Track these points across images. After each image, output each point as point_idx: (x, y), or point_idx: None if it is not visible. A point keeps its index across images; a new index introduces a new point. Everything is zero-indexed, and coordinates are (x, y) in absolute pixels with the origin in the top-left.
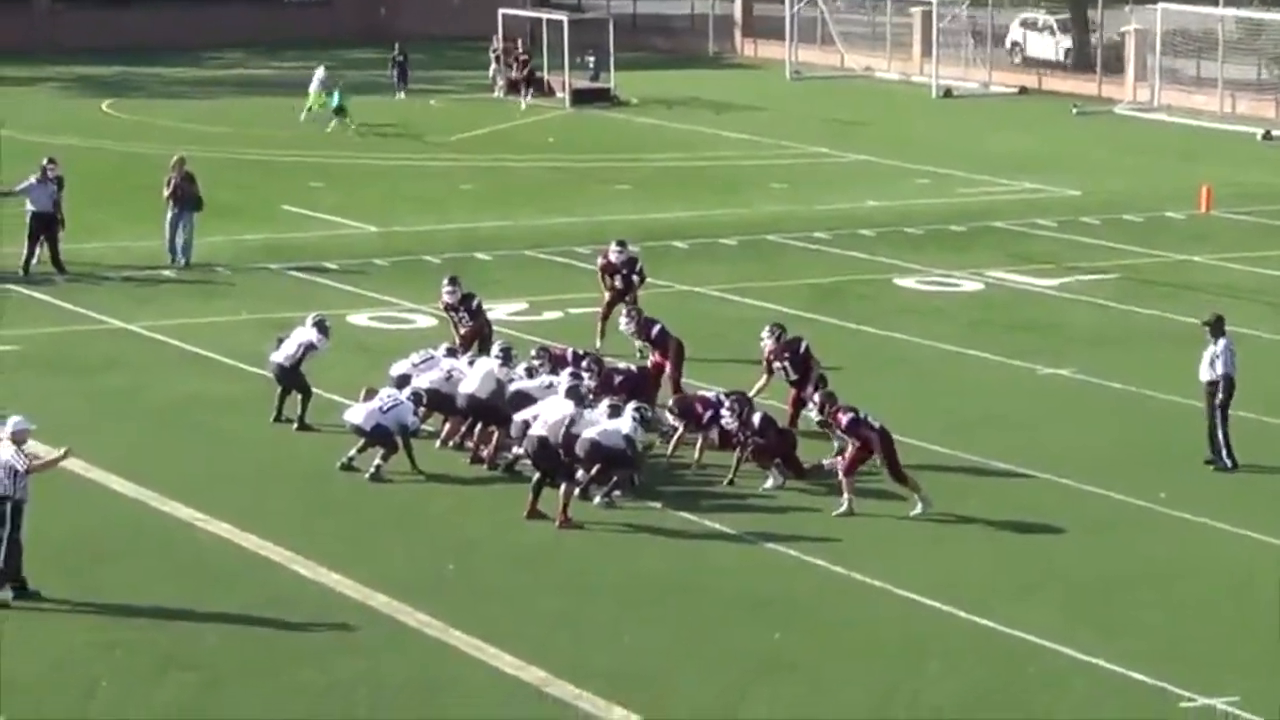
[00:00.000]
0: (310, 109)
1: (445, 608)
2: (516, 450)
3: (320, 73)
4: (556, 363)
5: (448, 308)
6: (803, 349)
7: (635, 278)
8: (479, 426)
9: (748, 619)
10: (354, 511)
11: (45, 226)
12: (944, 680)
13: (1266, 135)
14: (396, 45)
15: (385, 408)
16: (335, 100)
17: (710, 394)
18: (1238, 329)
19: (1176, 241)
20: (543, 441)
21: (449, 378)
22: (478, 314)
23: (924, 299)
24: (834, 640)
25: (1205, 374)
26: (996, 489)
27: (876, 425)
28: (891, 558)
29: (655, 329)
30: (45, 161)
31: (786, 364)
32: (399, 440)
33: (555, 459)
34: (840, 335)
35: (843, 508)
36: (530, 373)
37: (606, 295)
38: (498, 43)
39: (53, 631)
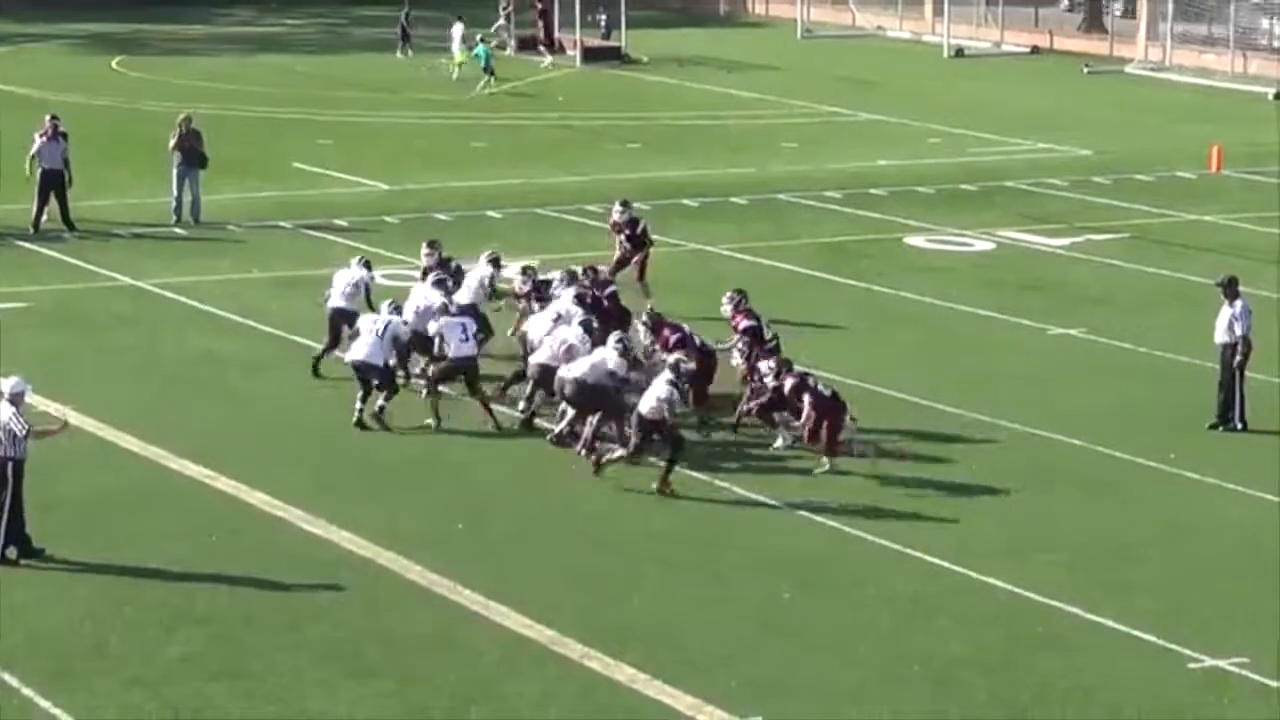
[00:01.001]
0: (460, 65)
1: (455, 565)
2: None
3: (458, 29)
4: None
5: (426, 270)
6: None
7: (641, 238)
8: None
9: (758, 578)
10: (365, 468)
11: (55, 183)
12: (952, 640)
13: (1278, 95)
14: (406, 4)
15: (380, 332)
16: (482, 57)
17: (685, 327)
18: (1248, 289)
19: (1187, 201)
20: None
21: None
22: (459, 274)
23: (935, 258)
24: (844, 600)
25: (1222, 336)
26: (1006, 448)
27: (826, 392)
28: (901, 518)
29: (675, 338)
30: (49, 118)
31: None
32: (395, 369)
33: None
34: (851, 294)
35: (824, 467)
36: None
37: (618, 252)
38: (509, 1)
39: (63, 588)
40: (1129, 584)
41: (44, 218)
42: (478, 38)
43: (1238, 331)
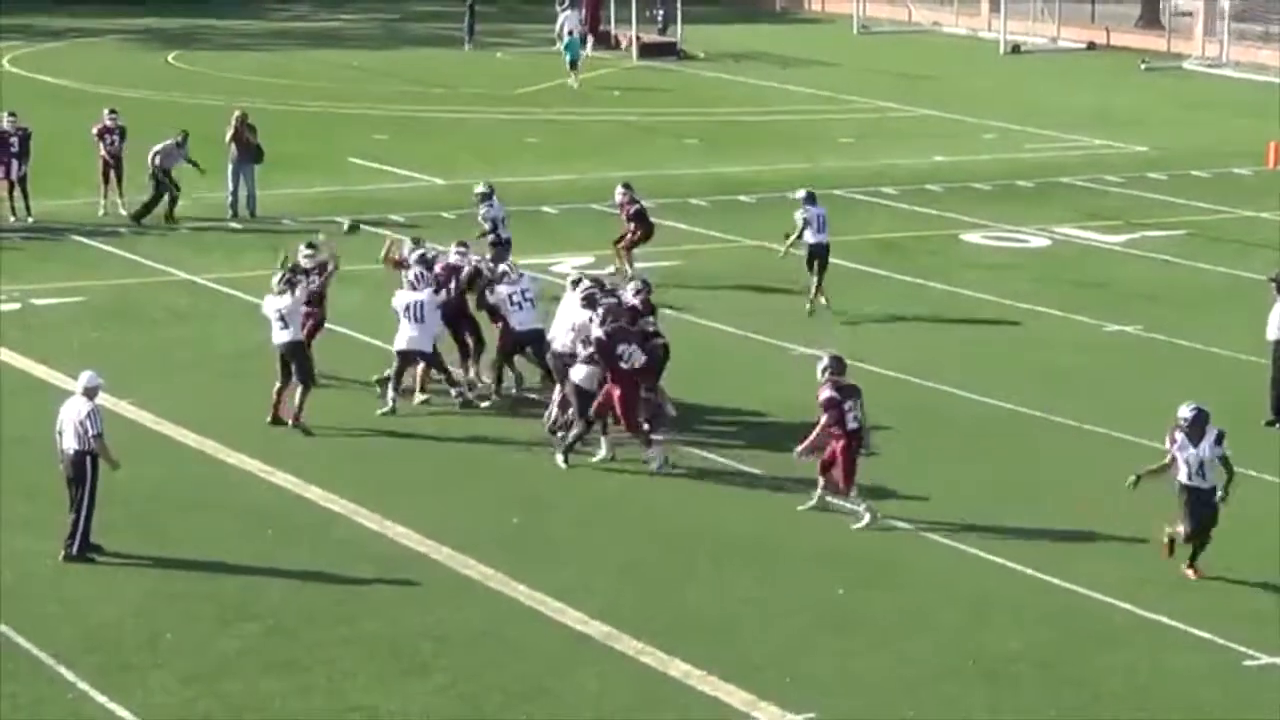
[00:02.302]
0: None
1: (509, 561)
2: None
3: (571, 17)
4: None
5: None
6: None
7: (630, 223)
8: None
9: (812, 574)
10: (418, 463)
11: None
12: (1007, 636)
13: None
14: None
15: (422, 314)
16: (573, 50)
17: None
18: None
19: (1244, 198)
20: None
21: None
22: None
23: (991, 255)
24: (898, 596)
25: (1274, 332)
26: (1062, 445)
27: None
28: (957, 514)
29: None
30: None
31: None
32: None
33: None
34: (906, 290)
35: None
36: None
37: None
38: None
39: (118, 582)
40: (1185, 582)
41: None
42: (567, 30)
43: None
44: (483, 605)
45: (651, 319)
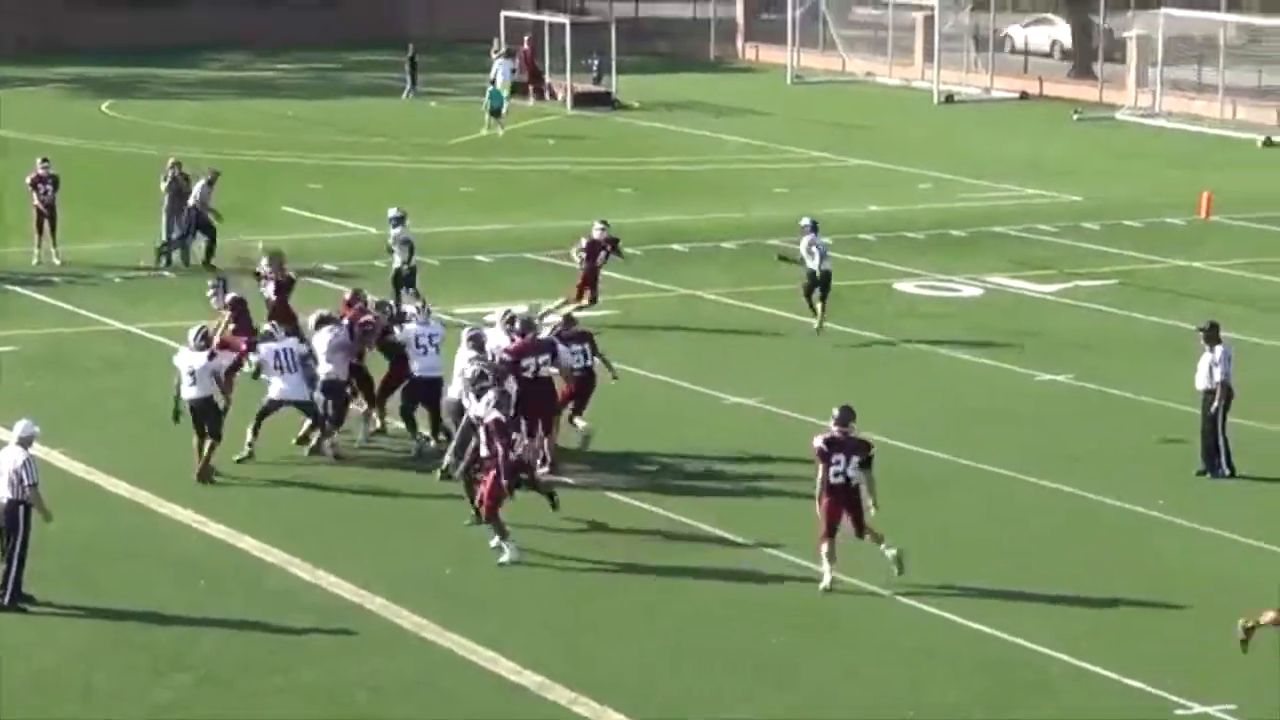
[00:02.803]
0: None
1: (442, 611)
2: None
3: (502, 65)
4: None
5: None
6: None
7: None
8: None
9: (746, 623)
10: (351, 513)
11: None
12: (940, 686)
13: (1267, 141)
14: (410, 46)
15: (292, 363)
16: (497, 99)
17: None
18: (1238, 336)
19: (1177, 247)
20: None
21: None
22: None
23: (924, 304)
24: (832, 645)
25: (1202, 382)
26: (994, 494)
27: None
28: (889, 563)
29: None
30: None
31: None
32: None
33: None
34: (840, 339)
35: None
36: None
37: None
38: (499, 44)
39: (51, 632)
40: (1118, 631)
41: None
42: (490, 80)
43: (1217, 377)
44: (417, 655)
45: (581, 347)
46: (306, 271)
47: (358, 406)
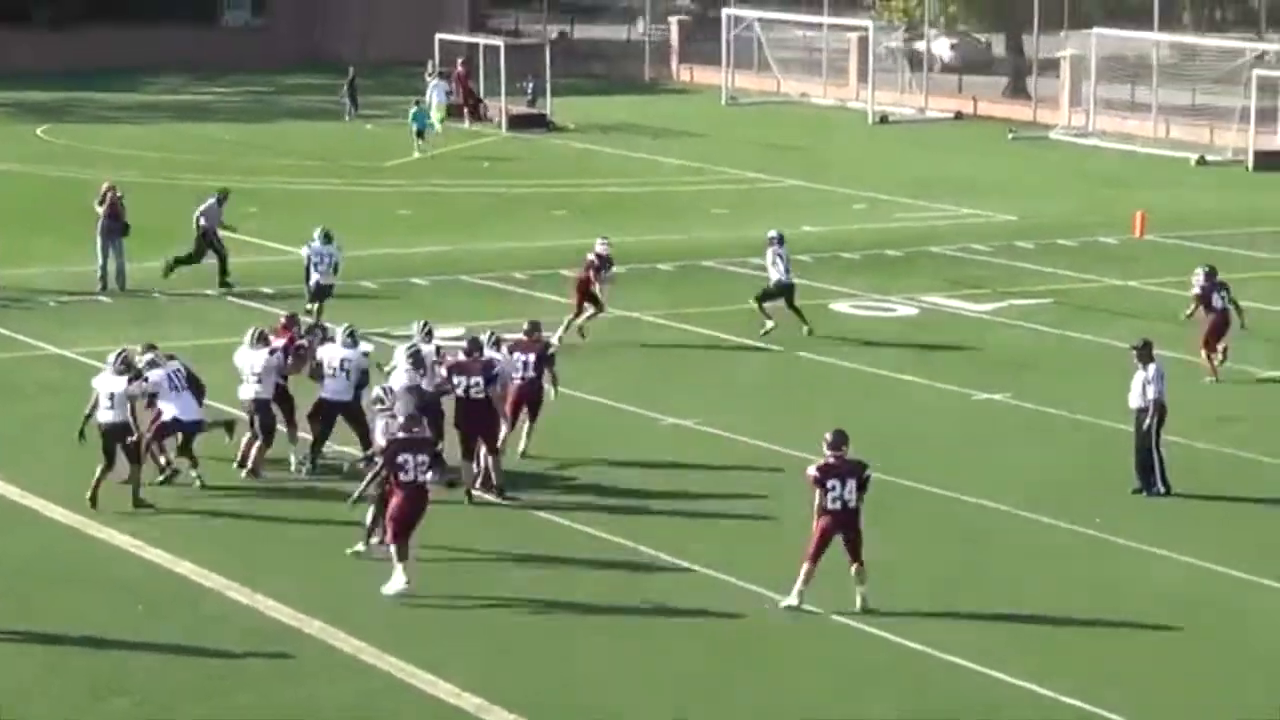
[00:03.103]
0: (441, 121)
1: (380, 634)
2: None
3: (438, 85)
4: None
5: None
6: None
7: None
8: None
9: (687, 645)
10: (288, 538)
11: None
12: (873, 704)
13: (1200, 160)
14: (350, 70)
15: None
16: (421, 120)
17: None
18: (1171, 354)
19: (1111, 266)
20: None
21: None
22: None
23: (860, 323)
24: (772, 666)
25: (1136, 400)
26: (930, 514)
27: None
28: (827, 584)
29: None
30: None
31: None
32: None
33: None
34: (775, 360)
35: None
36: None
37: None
38: (433, 67)
39: None
40: (1056, 649)
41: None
42: (415, 101)
43: (1150, 395)
44: (355, 679)
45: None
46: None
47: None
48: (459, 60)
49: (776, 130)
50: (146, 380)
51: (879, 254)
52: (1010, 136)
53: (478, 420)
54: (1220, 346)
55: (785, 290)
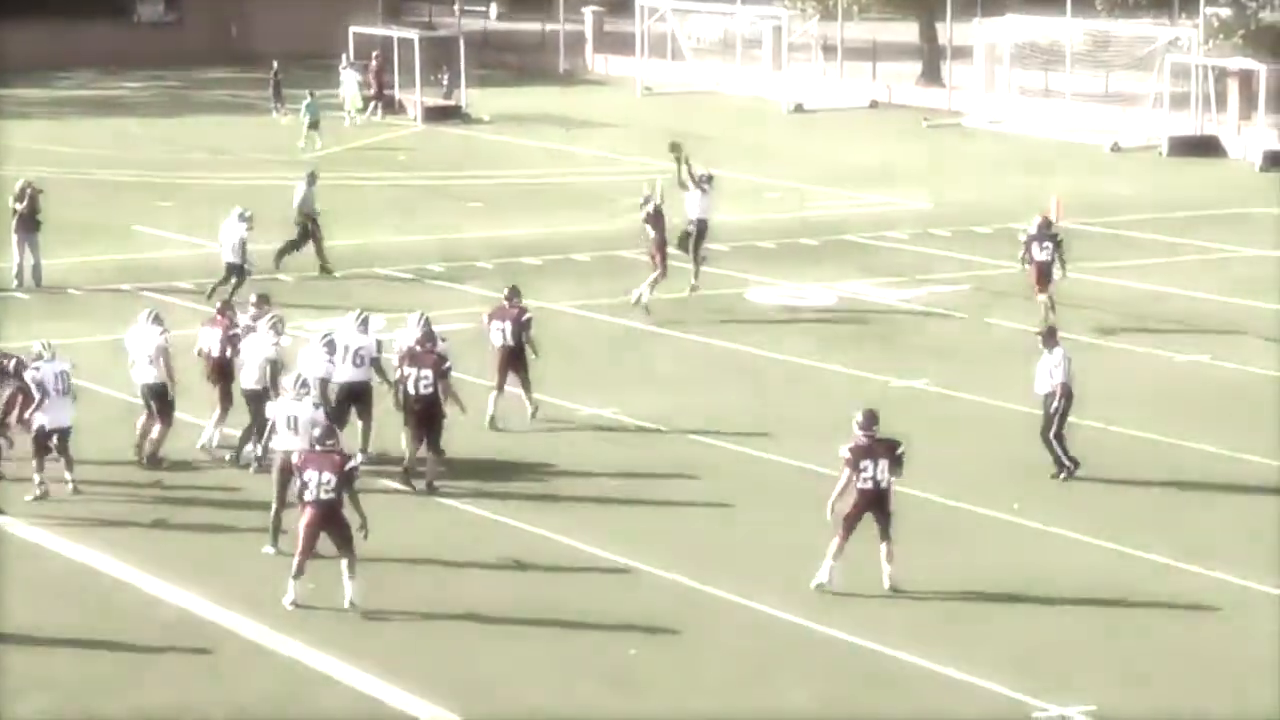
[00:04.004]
0: (356, 112)
1: (301, 626)
2: None
3: (350, 75)
4: None
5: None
6: None
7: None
8: None
9: (603, 635)
10: (208, 530)
11: None
12: (797, 691)
13: (1115, 146)
14: (274, 64)
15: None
16: (309, 113)
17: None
18: (1086, 339)
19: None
20: None
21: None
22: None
23: (776, 312)
24: (688, 653)
25: (1042, 385)
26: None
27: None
28: (745, 571)
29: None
30: None
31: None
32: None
33: None
34: (692, 348)
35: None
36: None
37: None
38: (347, 59)
39: None
40: (975, 634)
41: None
42: (309, 93)
43: (1056, 379)
44: (276, 671)
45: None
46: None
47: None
48: (374, 54)
49: (692, 120)
50: (37, 370)
51: (795, 242)
52: (925, 124)
53: (423, 415)
54: (1047, 296)
55: (699, 229)
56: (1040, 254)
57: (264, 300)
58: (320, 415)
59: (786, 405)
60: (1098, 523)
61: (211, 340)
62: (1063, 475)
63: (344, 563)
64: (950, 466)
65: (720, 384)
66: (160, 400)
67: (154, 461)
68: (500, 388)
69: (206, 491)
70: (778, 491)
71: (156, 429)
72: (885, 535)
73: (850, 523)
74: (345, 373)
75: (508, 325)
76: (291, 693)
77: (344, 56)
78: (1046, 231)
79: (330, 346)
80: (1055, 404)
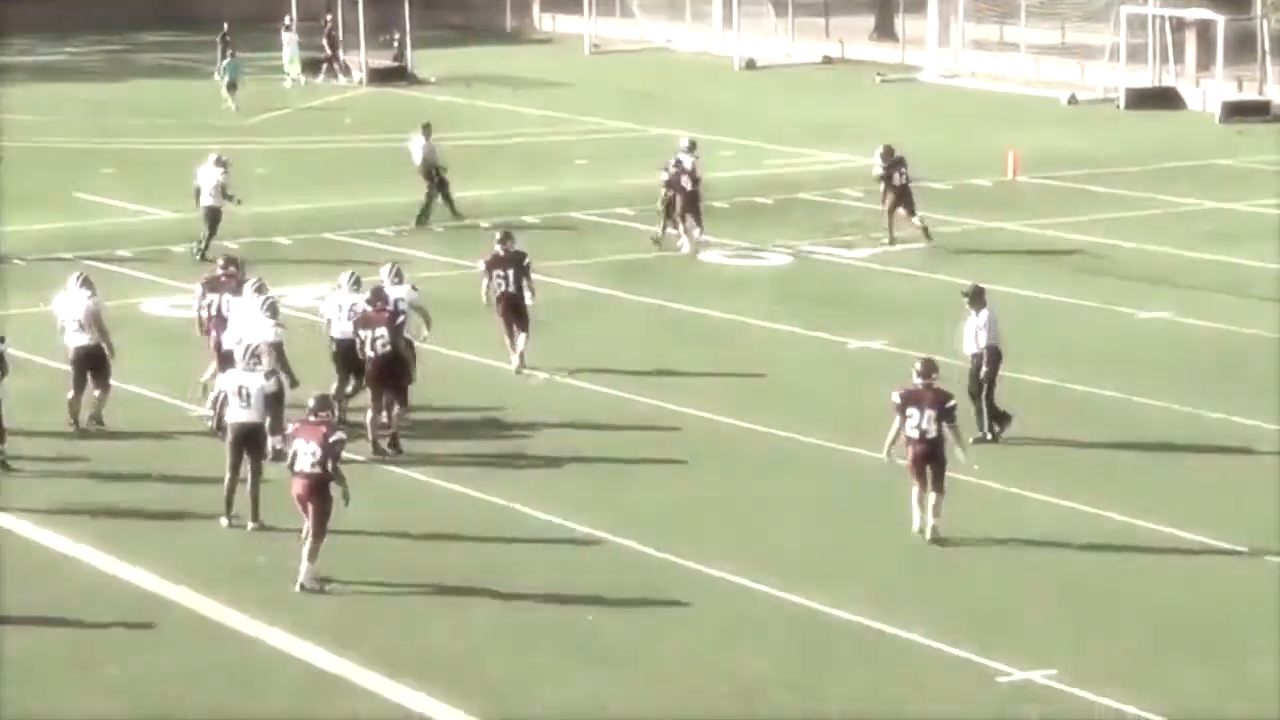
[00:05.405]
0: (295, 78)
1: (252, 601)
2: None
3: (290, 38)
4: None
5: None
6: None
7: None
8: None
9: (559, 603)
10: (158, 504)
11: None
12: (759, 658)
13: (1071, 99)
14: (225, 25)
15: None
16: (228, 73)
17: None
18: (1044, 296)
19: (985, 209)
20: None
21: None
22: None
23: (731, 273)
24: (647, 622)
25: (970, 346)
26: (808, 466)
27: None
28: (705, 539)
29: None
30: None
31: None
32: None
33: None
34: (645, 311)
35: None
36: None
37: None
38: (291, 20)
39: None
40: (936, 599)
41: None
42: (229, 53)
43: (983, 342)
44: (227, 646)
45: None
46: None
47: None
48: (327, 16)
49: (641, 78)
50: None
51: (749, 201)
52: (878, 80)
53: (385, 374)
54: (916, 219)
55: (689, 201)
56: (899, 180)
57: (231, 262)
58: (272, 384)
59: (739, 368)
60: (1059, 483)
61: (224, 304)
62: (988, 438)
63: (308, 544)
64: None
65: (676, 348)
66: (96, 364)
67: (92, 423)
68: (510, 333)
69: (159, 466)
70: (734, 459)
71: (97, 393)
72: (935, 486)
73: (917, 471)
74: (341, 328)
75: (511, 272)
76: (245, 665)
77: (287, 18)
78: (895, 158)
79: (272, 310)
80: (985, 367)
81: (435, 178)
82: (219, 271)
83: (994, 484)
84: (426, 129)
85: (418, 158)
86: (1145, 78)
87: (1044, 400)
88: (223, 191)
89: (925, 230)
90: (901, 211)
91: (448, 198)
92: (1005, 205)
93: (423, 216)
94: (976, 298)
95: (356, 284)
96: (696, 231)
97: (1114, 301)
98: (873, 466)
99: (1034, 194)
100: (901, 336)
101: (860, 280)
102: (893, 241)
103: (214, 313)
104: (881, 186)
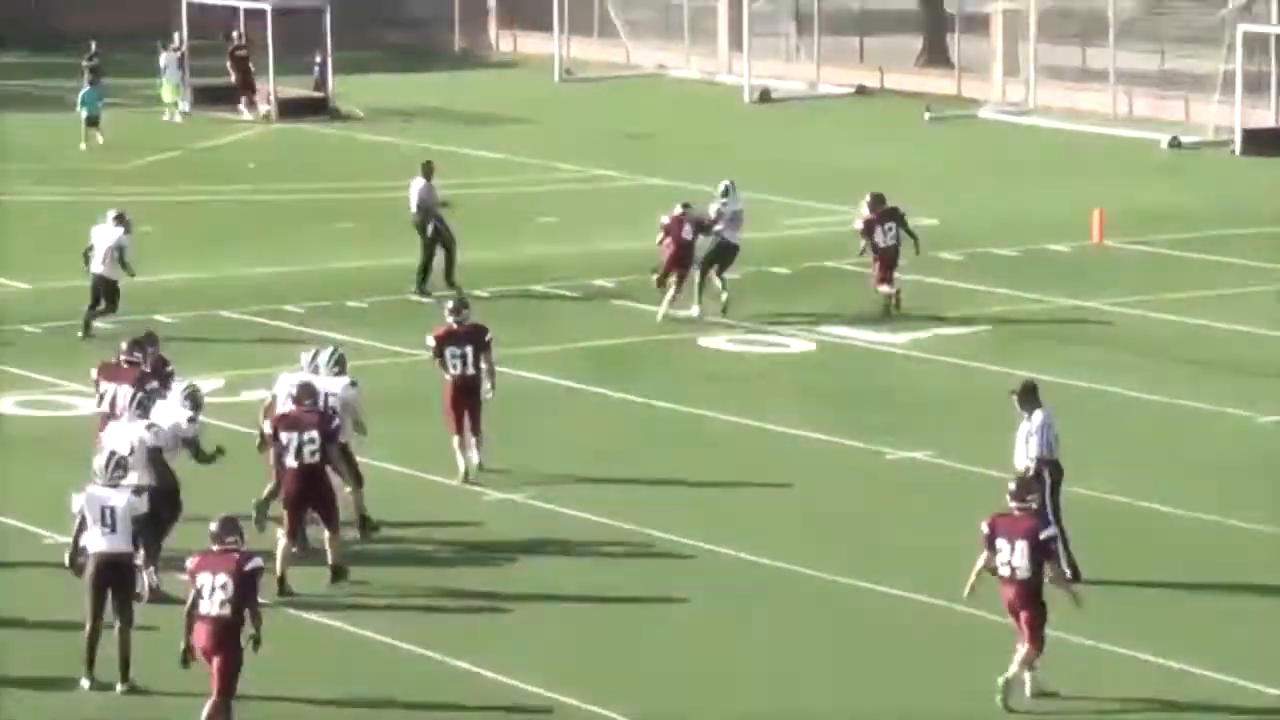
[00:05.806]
0: (174, 105)
1: None
2: None
3: (169, 58)
4: None
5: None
6: None
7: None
8: None
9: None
10: None
11: None
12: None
13: (1174, 142)
14: (93, 45)
15: None
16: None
17: None
18: (1134, 392)
19: (1061, 281)
20: None
21: None
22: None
23: (738, 363)
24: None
25: (1020, 460)
26: (837, 604)
27: None
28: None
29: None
30: None
31: None
32: None
33: None
34: (628, 411)
35: None
36: None
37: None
38: (180, 41)
39: None
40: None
41: None
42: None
43: (1033, 452)
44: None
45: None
46: None
47: None
48: (234, 33)
49: (626, 113)
50: None
51: (761, 271)
52: (928, 116)
53: (311, 491)
54: (894, 286)
55: (728, 253)
56: (886, 239)
57: (152, 340)
58: (143, 503)
59: (751, 490)
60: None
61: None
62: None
63: (211, 703)
64: (954, 560)
65: (665, 459)
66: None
67: None
68: (460, 429)
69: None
70: (753, 602)
71: None
72: (1031, 638)
73: (1014, 615)
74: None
75: (468, 349)
76: None
77: (175, 36)
78: (884, 209)
79: (193, 400)
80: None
81: (433, 228)
82: (120, 357)
83: (1062, 634)
84: (427, 168)
85: (414, 203)
86: (1267, 116)
87: (1141, 527)
88: (120, 257)
89: (897, 298)
90: (876, 271)
91: (450, 258)
92: (1088, 277)
93: (422, 277)
94: (1028, 396)
95: (339, 364)
96: (671, 291)
97: (1226, 402)
98: (910, 609)
99: (1125, 262)
100: (950, 444)
101: (901, 373)
102: (898, 305)
103: (109, 408)
104: (862, 244)
